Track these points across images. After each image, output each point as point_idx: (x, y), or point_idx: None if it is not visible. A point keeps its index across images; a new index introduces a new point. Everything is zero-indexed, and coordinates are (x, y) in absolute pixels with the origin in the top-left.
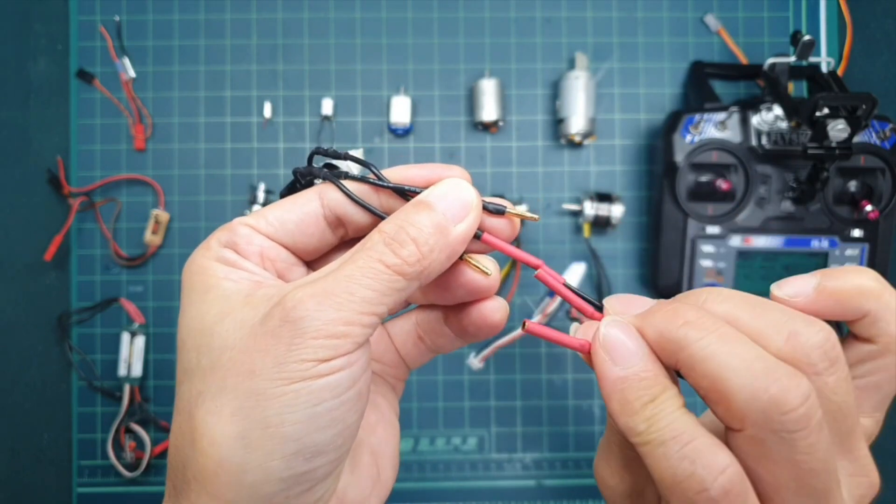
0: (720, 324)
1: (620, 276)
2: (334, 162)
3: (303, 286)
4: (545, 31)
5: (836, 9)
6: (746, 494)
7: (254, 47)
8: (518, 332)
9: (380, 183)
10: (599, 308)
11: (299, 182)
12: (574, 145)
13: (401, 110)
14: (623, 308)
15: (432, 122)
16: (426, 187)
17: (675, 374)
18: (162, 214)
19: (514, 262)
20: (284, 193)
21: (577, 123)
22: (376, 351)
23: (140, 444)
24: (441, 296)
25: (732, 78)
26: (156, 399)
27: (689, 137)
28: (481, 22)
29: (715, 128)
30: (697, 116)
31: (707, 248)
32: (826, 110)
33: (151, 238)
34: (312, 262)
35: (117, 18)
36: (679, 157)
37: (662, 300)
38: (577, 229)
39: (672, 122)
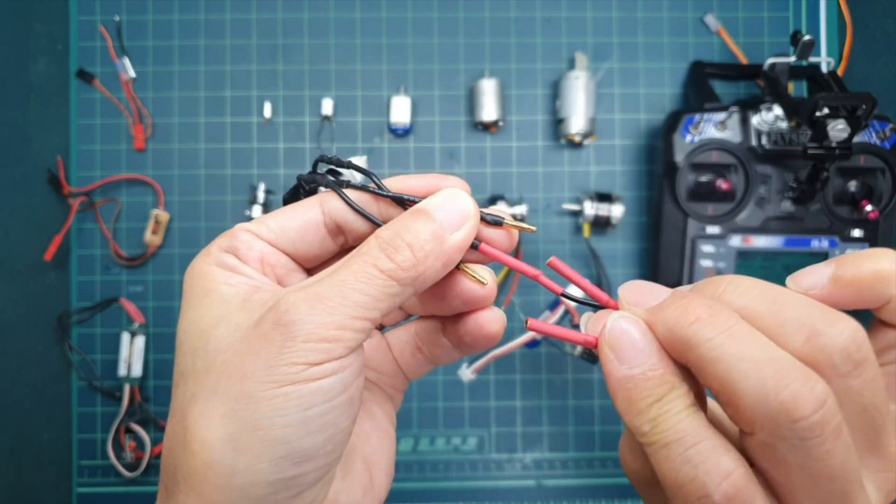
0: (733, 321)
1: (620, 276)
2: (337, 169)
3: (296, 290)
4: (545, 31)
5: (836, 9)
6: (754, 499)
7: (254, 47)
8: (516, 341)
9: (379, 192)
10: (599, 307)
11: (303, 188)
12: (574, 145)
13: (401, 110)
14: (637, 299)
15: (432, 122)
16: (425, 197)
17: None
18: (162, 214)
19: (509, 270)
20: (288, 199)
21: (577, 123)
22: (374, 360)
23: (140, 444)
24: (438, 306)
25: (732, 78)
26: (156, 399)
27: (689, 137)
28: (481, 22)
29: (715, 128)
30: (697, 116)
31: (707, 248)
32: (826, 110)
33: (151, 238)
34: (313, 269)
35: (117, 18)
36: (679, 157)
37: (678, 290)
38: (577, 229)
39: (672, 122)
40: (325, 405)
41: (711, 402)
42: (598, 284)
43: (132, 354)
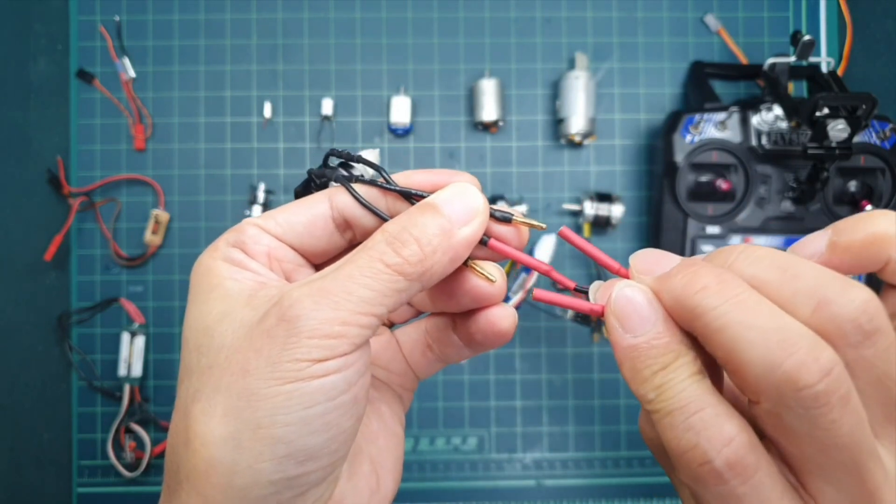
0: (741, 290)
1: None
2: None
3: (301, 286)
4: (545, 31)
5: (836, 9)
6: (757, 466)
7: (254, 47)
8: (529, 283)
9: (388, 186)
10: (584, 292)
11: (314, 182)
12: (574, 145)
13: (401, 110)
14: (646, 267)
15: (432, 122)
16: (433, 192)
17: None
18: (162, 214)
19: (514, 262)
20: (300, 192)
21: (577, 123)
22: (384, 358)
23: (140, 444)
24: (447, 303)
25: (732, 78)
26: (156, 399)
27: (689, 137)
28: (481, 22)
29: (715, 128)
30: (697, 116)
31: (707, 248)
32: (826, 110)
33: (151, 238)
34: (321, 264)
35: (117, 18)
36: (679, 157)
37: (688, 259)
38: (578, 229)
39: (672, 122)
40: (328, 404)
41: None
42: None
43: (132, 354)
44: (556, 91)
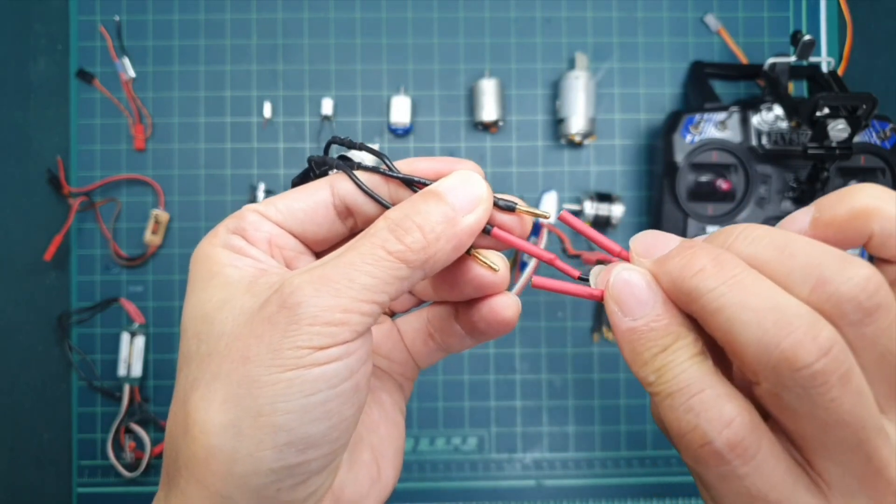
0: (738, 270)
1: None
2: (348, 153)
3: (302, 273)
4: (545, 31)
5: (836, 9)
6: (759, 447)
7: (254, 47)
8: (527, 272)
9: (390, 173)
10: (584, 281)
11: (313, 171)
12: (574, 145)
13: (401, 110)
14: (645, 250)
15: (432, 122)
16: (436, 180)
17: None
18: (162, 214)
19: (515, 255)
20: (297, 182)
21: (577, 123)
22: (385, 347)
23: (140, 444)
24: (450, 292)
25: (732, 78)
26: (156, 399)
27: (689, 137)
28: (481, 22)
29: (715, 128)
30: (697, 116)
31: None
32: (826, 110)
33: (151, 238)
34: (322, 252)
35: (117, 18)
36: (679, 157)
37: (686, 241)
38: None
39: (672, 122)
40: (330, 392)
41: None
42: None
43: (132, 354)
44: (556, 91)
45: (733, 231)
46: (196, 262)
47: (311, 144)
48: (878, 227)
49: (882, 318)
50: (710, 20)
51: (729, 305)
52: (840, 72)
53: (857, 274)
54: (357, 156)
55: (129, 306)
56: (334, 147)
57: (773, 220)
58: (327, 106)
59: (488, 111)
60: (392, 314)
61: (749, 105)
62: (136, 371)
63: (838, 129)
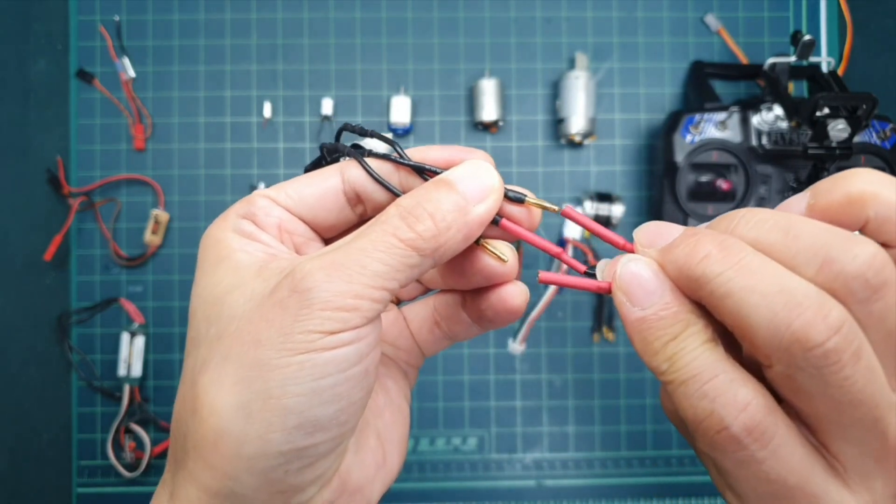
0: (744, 254)
1: None
2: (360, 140)
3: (313, 258)
4: (545, 31)
5: (837, 9)
6: (776, 429)
7: (254, 47)
8: (545, 298)
9: (401, 161)
10: (590, 272)
11: (325, 158)
12: (574, 145)
13: (401, 110)
14: (650, 240)
15: (432, 122)
16: (447, 169)
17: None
18: (162, 214)
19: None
20: (309, 168)
21: (577, 123)
22: (391, 335)
23: (140, 444)
24: (457, 280)
25: (732, 78)
26: (156, 399)
27: (689, 137)
28: (481, 22)
29: (715, 128)
30: (697, 116)
31: None
32: (826, 110)
33: (151, 238)
34: (332, 239)
35: (117, 18)
36: (679, 157)
37: (690, 228)
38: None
39: (672, 122)
40: (340, 375)
41: None
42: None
43: (132, 354)
44: (556, 91)
45: (736, 216)
46: (206, 246)
47: (311, 144)
48: (873, 212)
49: (889, 295)
50: (711, 20)
51: (737, 290)
52: (840, 72)
53: (863, 252)
54: (369, 143)
55: (129, 306)
56: (346, 135)
57: None
58: (327, 106)
59: (488, 111)
60: (398, 302)
61: (749, 105)
62: (136, 371)
63: (838, 129)
